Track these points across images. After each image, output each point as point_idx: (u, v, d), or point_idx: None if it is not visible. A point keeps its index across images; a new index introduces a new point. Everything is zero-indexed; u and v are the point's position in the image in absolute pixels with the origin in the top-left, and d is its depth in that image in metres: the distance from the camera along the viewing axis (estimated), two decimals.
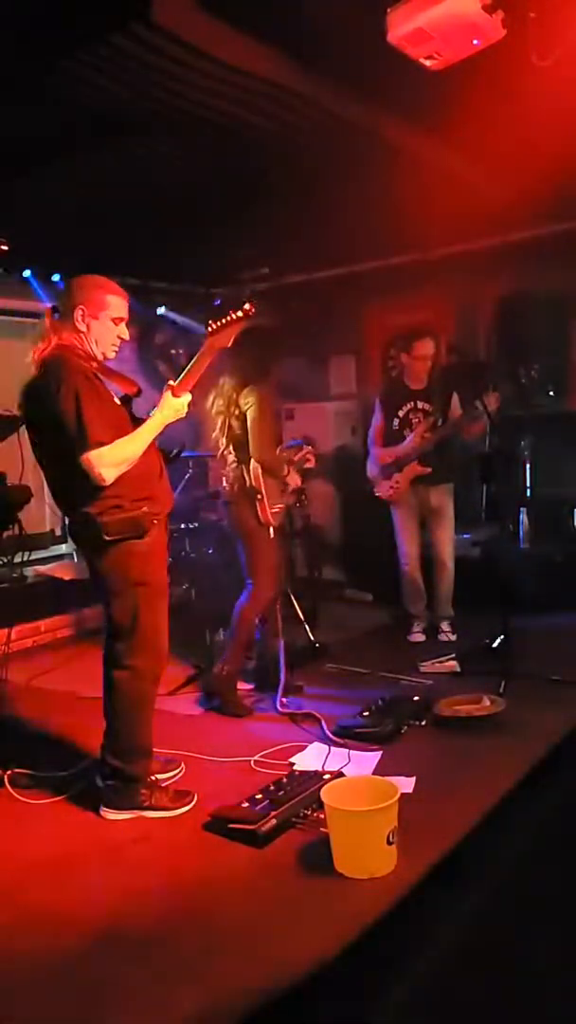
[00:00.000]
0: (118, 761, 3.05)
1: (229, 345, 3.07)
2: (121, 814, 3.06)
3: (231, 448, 4.14)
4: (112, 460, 2.81)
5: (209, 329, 3.04)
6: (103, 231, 5.23)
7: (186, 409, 3.02)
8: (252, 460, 4.03)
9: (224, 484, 4.21)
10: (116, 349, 3.06)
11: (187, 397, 3.00)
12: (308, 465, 4.47)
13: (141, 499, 2.94)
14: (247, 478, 4.05)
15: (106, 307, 2.99)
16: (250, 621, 4.18)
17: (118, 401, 3.01)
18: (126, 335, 3.08)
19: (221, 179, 4.61)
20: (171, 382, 3.00)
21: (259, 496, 4.04)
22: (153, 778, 3.19)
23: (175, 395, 2.97)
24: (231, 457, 4.14)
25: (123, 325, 3.05)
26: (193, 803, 3.10)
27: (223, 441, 4.16)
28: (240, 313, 2.99)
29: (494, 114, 3.67)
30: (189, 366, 3.02)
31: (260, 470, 4.03)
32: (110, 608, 3.03)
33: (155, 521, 2.98)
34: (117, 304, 3.01)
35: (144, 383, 3.55)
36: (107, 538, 2.90)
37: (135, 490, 2.92)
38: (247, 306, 2.98)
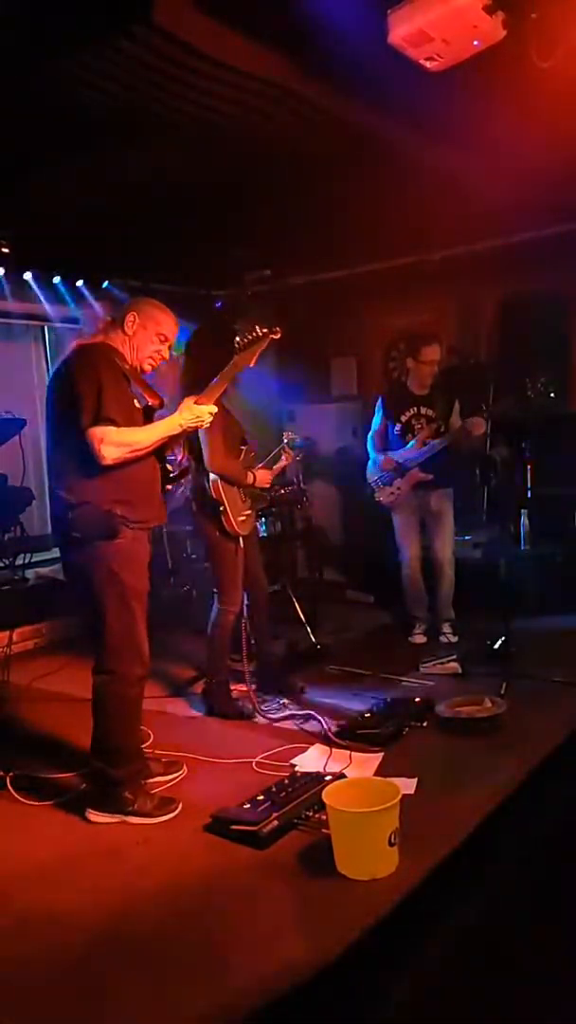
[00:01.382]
0: (101, 763, 3.06)
1: (253, 364, 3.15)
2: (104, 816, 3.05)
3: (189, 455, 4.00)
4: (117, 440, 2.86)
5: (237, 345, 3.14)
6: (104, 232, 5.23)
7: (207, 419, 3.08)
8: (209, 471, 3.91)
9: (188, 492, 4.12)
10: (152, 365, 3.16)
11: (210, 407, 3.07)
12: (281, 464, 4.36)
13: (117, 500, 2.94)
14: (207, 488, 3.93)
15: (157, 323, 3.12)
16: (224, 630, 4.07)
17: (138, 405, 3.03)
18: (167, 356, 3.18)
19: (222, 180, 4.61)
20: (193, 398, 3.08)
21: (221, 508, 3.91)
22: (152, 780, 3.18)
23: (198, 403, 3.06)
24: (191, 465, 4.01)
25: (166, 347, 3.16)
26: (177, 811, 3.07)
27: (183, 448, 4.01)
28: (266, 329, 3.04)
29: (495, 115, 3.67)
30: (213, 382, 3.12)
31: (219, 481, 3.91)
32: (86, 609, 3.05)
33: (129, 525, 2.96)
34: (167, 324, 3.14)
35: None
36: (74, 534, 2.95)
37: (113, 491, 2.93)
38: (276, 328, 3.04)
